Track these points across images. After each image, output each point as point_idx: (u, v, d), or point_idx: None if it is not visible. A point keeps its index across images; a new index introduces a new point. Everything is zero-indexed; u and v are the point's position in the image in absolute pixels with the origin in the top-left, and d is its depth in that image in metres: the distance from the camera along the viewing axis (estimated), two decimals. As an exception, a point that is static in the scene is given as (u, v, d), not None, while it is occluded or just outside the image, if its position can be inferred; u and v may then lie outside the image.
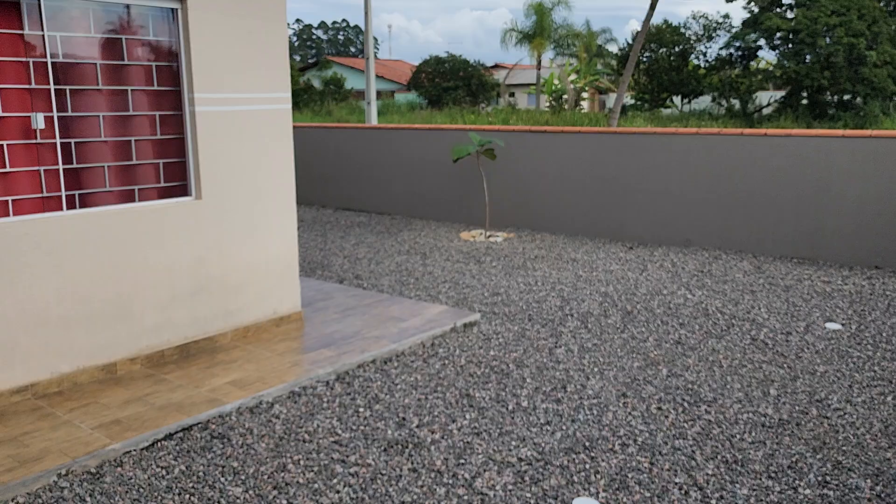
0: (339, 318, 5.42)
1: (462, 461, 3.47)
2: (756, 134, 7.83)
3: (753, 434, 3.71)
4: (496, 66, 50.91)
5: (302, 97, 47.74)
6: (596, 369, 4.62)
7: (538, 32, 36.47)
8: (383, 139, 10.89)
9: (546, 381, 4.44)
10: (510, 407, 4.06)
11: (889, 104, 33.04)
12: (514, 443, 3.64)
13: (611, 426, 3.82)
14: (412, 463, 3.46)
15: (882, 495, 3.16)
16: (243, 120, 4.93)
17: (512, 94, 46.85)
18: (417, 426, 3.82)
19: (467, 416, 3.94)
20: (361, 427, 3.82)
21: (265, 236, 5.15)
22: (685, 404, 4.08)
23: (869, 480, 3.27)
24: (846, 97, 33.39)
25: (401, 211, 10.82)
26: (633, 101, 37.18)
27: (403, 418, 3.92)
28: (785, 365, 4.65)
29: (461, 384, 4.40)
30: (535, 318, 5.73)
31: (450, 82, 43.92)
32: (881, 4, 33.00)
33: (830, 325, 5.34)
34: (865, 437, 3.66)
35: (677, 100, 38.59)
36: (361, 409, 4.04)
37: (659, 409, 4.03)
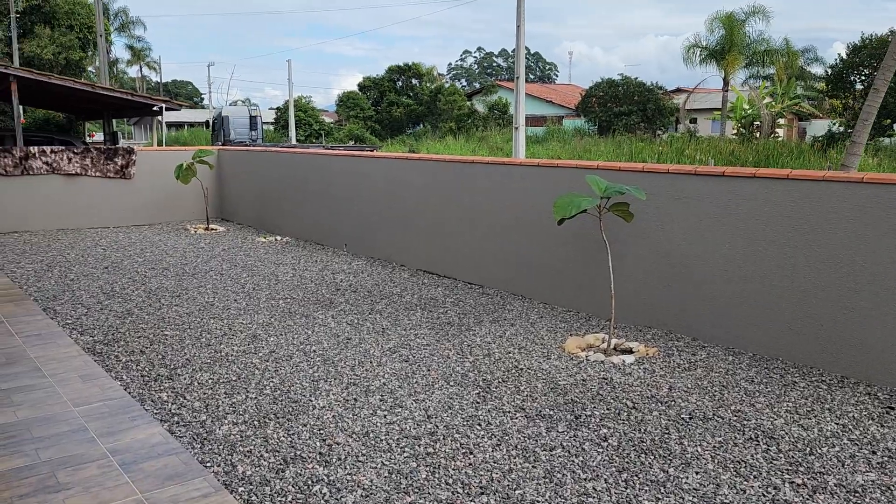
0: None
1: None
2: None
3: None
4: (678, 91, 45.88)
5: (465, 122, 45.61)
6: None
7: (728, 48, 31.33)
8: (477, 176, 7.48)
9: None
10: None
11: None
12: None
13: None
14: None
15: None
16: None
17: (693, 120, 41.57)
18: None
19: None
20: None
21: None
22: None
23: None
24: None
25: (498, 282, 7.32)
26: (841, 129, 30.85)
27: None
28: None
29: None
30: None
31: (622, 107, 39.61)
32: None
33: None
34: None
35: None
36: None
37: None
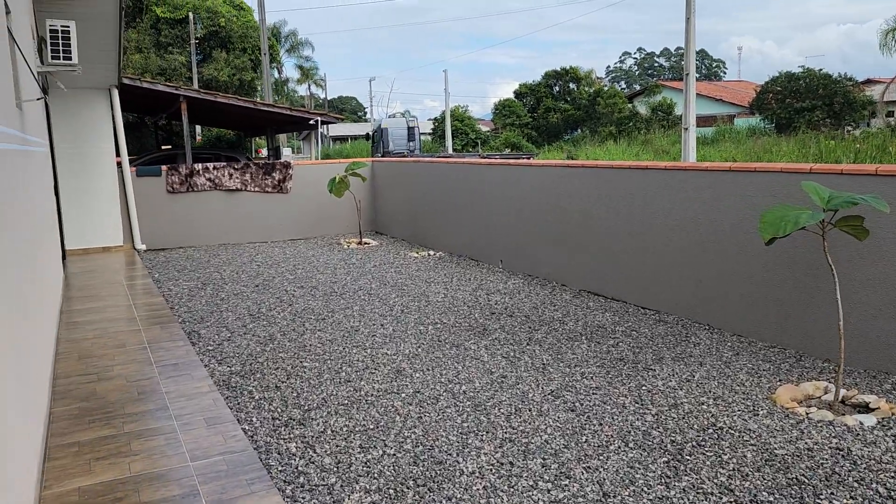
0: None
1: None
2: None
3: None
4: (867, 82, 41.17)
5: (626, 125, 43.67)
6: None
7: (935, 29, 27.41)
8: (650, 184, 6.44)
9: None
10: None
11: None
12: None
13: None
14: None
15: None
16: None
17: (889, 114, 36.99)
18: None
19: None
20: None
21: None
22: None
23: None
24: None
25: (678, 308, 6.25)
26: None
27: None
28: None
29: None
30: None
31: (804, 102, 36.03)
32: None
33: None
34: None
35: None
36: None
37: None
